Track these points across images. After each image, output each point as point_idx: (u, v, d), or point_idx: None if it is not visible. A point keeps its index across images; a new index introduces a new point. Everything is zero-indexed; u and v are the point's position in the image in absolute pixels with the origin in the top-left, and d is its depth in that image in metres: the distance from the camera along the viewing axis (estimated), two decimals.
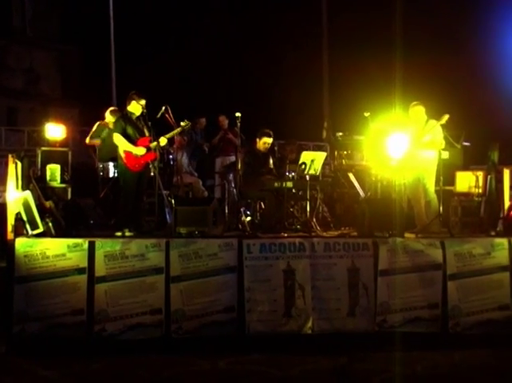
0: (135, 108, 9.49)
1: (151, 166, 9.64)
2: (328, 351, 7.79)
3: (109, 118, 11.02)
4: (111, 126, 10.60)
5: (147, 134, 9.55)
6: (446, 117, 9.64)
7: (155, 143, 9.49)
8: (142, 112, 9.52)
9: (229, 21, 27.75)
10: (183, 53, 26.99)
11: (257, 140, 10.62)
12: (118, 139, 9.37)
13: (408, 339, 8.02)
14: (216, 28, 27.78)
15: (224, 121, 13.38)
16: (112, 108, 11.25)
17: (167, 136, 9.64)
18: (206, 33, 28.02)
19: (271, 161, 10.69)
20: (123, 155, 9.37)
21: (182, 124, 9.77)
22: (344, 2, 24.11)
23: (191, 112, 13.34)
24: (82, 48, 31.03)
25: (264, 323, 8.08)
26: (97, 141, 11.12)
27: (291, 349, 7.87)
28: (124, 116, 9.61)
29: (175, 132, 9.75)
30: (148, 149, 9.46)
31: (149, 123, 9.57)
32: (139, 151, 9.38)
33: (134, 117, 9.53)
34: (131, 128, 9.44)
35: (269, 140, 10.62)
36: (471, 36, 22.16)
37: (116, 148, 9.47)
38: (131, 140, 9.40)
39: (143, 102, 9.46)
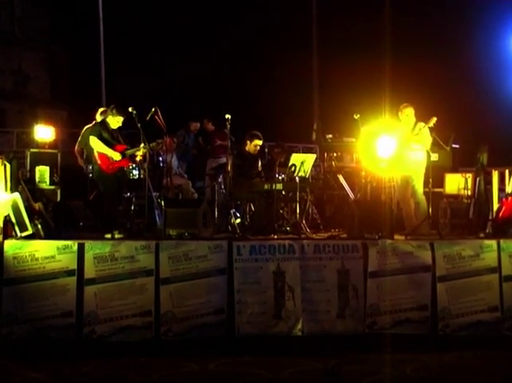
0: (112, 121, 9.69)
1: (130, 168, 9.96)
2: (318, 353, 7.80)
3: (99, 118, 11.00)
4: None
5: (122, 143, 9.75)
6: (433, 120, 9.67)
7: (131, 150, 9.65)
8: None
9: (219, 24, 27.75)
10: (173, 56, 26.97)
11: (248, 142, 10.63)
12: (94, 141, 9.57)
13: (398, 341, 8.04)
14: (205, 30, 27.77)
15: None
16: (102, 109, 11.24)
17: (128, 152, 9.70)
18: (196, 35, 28.00)
19: (260, 163, 10.71)
20: (97, 156, 9.55)
21: (144, 145, 9.70)
22: (334, 5, 24.14)
23: (180, 114, 13.37)
24: (71, 49, 30.94)
25: (254, 325, 8.08)
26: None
27: (281, 350, 7.88)
28: (101, 123, 9.86)
29: (134, 150, 9.75)
30: (123, 156, 9.61)
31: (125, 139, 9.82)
32: (115, 155, 9.55)
33: (110, 128, 9.69)
34: (107, 134, 9.62)
35: (260, 143, 10.66)
36: (460, 38, 22.24)
37: None
38: (108, 145, 9.57)
39: (119, 119, 9.63)
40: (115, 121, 9.65)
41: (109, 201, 9.59)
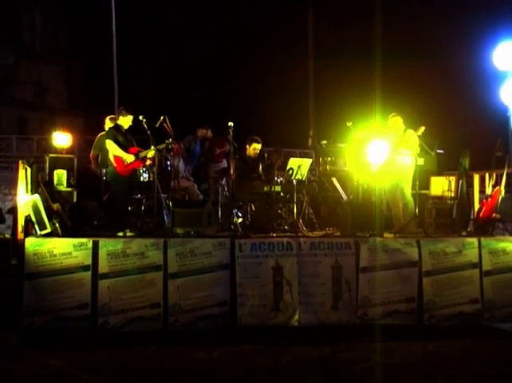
0: (124, 121, 9.75)
1: (140, 172, 9.92)
2: (313, 342, 7.81)
3: (108, 125, 10.98)
4: None
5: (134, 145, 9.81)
6: (422, 129, 9.67)
7: (144, 152, 9.67)
8: (130, 126, 9.80)
9: (217, 32, 27.75)
10: (179, 67, 26.98)
11: (247, 146, 10.69)
12: (110, 144, 9.61)
13: (387, 330, 8.06)
14: (208, 40, 27.76)
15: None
16: (111, 116, 11.22)
17: (142, 154, 9.71)
18: (199, 45, 27.97)
19: (260, 167, 10.73)
20: (112, 159, 9.59)
21: (155, 147, 9.74)
22: (329, 15, 24.08)
23: (188, 122, 13.34)
24: (87, 62, 31.01)
25: (254, 316, 8.08)
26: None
27: (279, 340, 7.89)
28: (115, 127, 9.86)
29: (146, 152, 9.73)
30: (136, 158, 9.64)
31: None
32: (129, 157, 9.58)
33: (123, 130, 9.75)
34: (121, 137, 9.68)
35: (259, 146, 10.69)
36: (446, 48, 22.21)
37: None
38: (123, 149, 9.61)
39: (129, 118, 9.71)
40: (126, 121, 9.73)
41: (120, 201, 9.65)
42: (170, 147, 10.20)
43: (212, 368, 7.03)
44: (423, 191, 10.51)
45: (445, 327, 8.26)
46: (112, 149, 9.56)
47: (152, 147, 9.62)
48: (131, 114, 9.71)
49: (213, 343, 7.71)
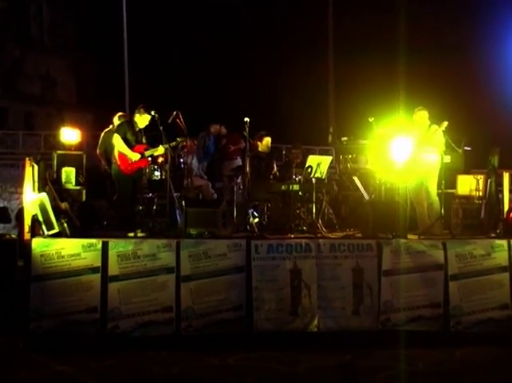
0: (140, 120, 9.75)
1: (152, 169, 9.97)
2: (333, 348, 7.79)
3: (116, 122, 10.99)
4: None
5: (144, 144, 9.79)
6: (445, 124, 9.58)
7: (150, 151, 9.70)
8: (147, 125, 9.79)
9: (237, 29, 27.77)
10: (195, 61, 27.04)
11: (259, 143, 10.69)
12: (117, 139, 9.62)
13: (411, 337, 8.00)
14: (225, 35, 27.80)
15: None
16: (120, 114, 11.25)
17: (147, 153, 9.75)
18: (215, 40, 28.04)
19: (275, 164, 10.73)
20: (117, 156, 9.60)
21: (162, 145, 9.76)
22: (349, 9, 24.07)
23: (201, 118, 13.36)
24: (97, 55, 31.15)
25: (271, 321, 8.07)
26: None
27: (297, 346, 7.88)
28: (128, 122, 9.89)
29: (153, 151, 9.80)
30: (142, 156, 9.66)
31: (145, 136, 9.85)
32: (134, 156, 9.60)
33: (137, 128, 9.75)
34: (131, 135, 9.69)
35: (269, 139, 10.74)
36: (474, 42, 22.11)
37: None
38: (129, 146, 9.62)
39: (146, 117, 9.71)
40: (142, 120, 9.73)
41: (123, 201, 9.67)
42: (180, 145, 10.22)
43: (226, 375, 7.03)
44: (450, 191, 10.44)
45: (473, 334, 8.20)
46: (118, 145, 9.58)
47: (160, 145, 9.64)
48: (150, 114, 9.69)
49: (227, 349, 7.71)
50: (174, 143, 9.92)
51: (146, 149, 9.73)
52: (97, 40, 29.18)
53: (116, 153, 9.61)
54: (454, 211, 10.26)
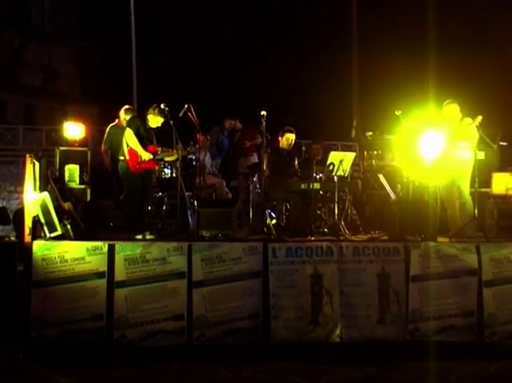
0: (152, 120, 9.73)
1: (162, 167, 10.00)
2: (357, 360, 7.77)
3: (124, 116, 11.00)
4: (125, 124, 10.59)
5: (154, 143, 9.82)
6: (479, 119, 9.52)
7: (162, 154, 9.73)
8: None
9: (257, 21, 27.78)
10: (207, 53, 27.05)
11: (280, 138, 10.70)
12: (129, 134, 9.53)
13: (442, 348, 7.97)
14: (243, 27, 27.82)
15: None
16: (126, 107, 11.26)
17: (159, 156, 9.77)
18: (232, 32, 28.07)
19: (296, 161, 10.71)
20: (126, 152, 9.53)
21: (176, 152, 9.81)
22: (374, 1, 24.08)
23: (214, 111, 13.37)
24: (102, 45, 31.20)
25: (290, 330, 8.07)
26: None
27: (318, 357, 7.87)
28: (141, 117, 9.84)
29: (166, 155, 9.84)
30: (153, 157, 9.65)
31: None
32: (146, 155, 9.54)
33: (147, 126, 9.75)
34: (143, 130, 9.65)
35: (292, 136, 10.70)
36: (507, 32, 21.98)
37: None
38: (141, 142, 9.55)
39: (159, 119, 9.71)
40: (154, 121, 9.70)
41: (131, 201, 9.64)
42: (193, 151, 10.27)
43: None
44: (484, 190, 10.39)
45: (510, 345, 8.15)
46: (130, 141, 9.48)
47: (175, 151, 9.64)
48: (163, 117, 9.68)
49: (243, 361, 7.71)
50: (186, 152, 10.00)
51: (158, 151, 9.70)
52: (103, 28, 29.22)
53: (125, 149, 9.52)
54: (488, 212, 10.22)
